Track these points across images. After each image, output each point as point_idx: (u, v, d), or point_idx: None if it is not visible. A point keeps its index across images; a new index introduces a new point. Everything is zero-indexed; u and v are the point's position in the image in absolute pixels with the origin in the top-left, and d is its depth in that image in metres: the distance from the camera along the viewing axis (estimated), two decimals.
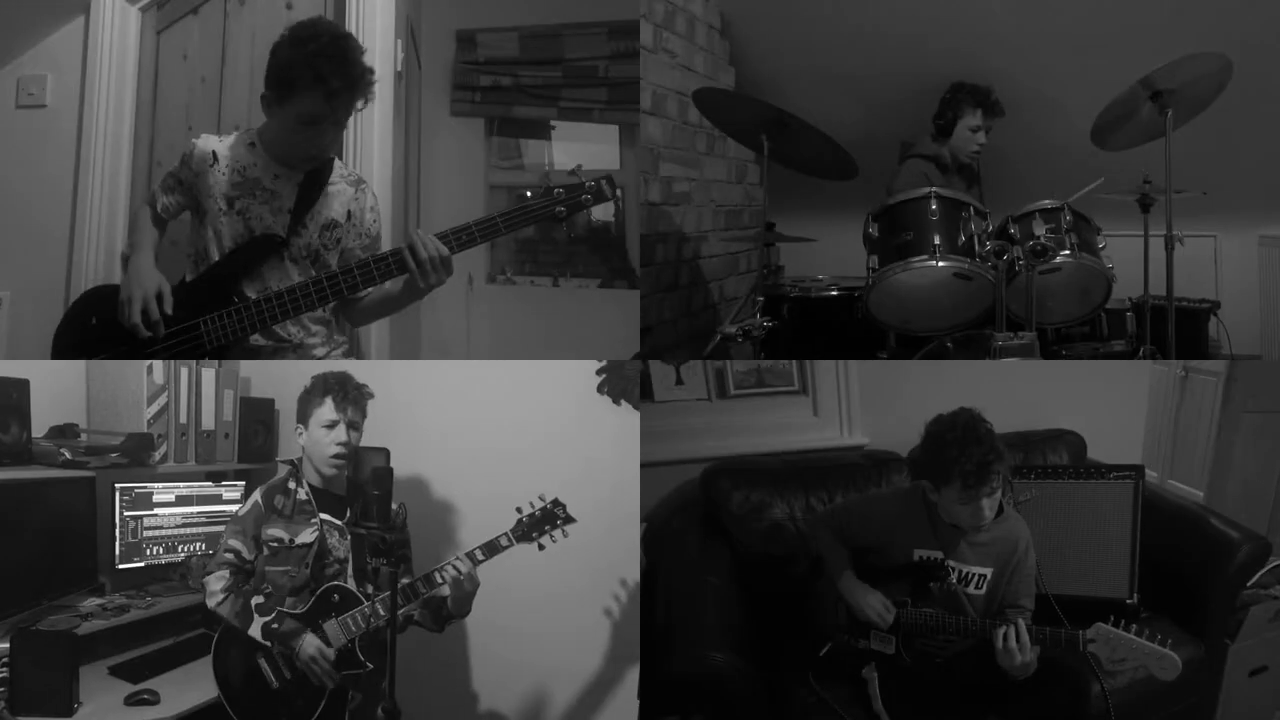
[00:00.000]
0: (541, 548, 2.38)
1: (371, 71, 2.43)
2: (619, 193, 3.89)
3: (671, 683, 2.47)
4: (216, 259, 2.55)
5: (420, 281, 2.40)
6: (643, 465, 2.91)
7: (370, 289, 2.64)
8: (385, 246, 2.75)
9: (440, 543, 2.95)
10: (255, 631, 2.37)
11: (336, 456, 2.46)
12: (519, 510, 2.37)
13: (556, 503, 2.39)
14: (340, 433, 2.46)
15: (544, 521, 2.37)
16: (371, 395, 2.53)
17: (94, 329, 2.56)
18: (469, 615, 2.47)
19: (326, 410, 2.47)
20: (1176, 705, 2.65)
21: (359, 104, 2.44)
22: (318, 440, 2.48)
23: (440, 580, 2.34)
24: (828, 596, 2.57)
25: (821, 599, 2.59)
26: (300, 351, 2.62)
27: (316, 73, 2.33)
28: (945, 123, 3.96)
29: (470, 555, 2.35)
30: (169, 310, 2.49)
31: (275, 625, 2.36)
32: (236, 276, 2.53)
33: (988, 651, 2.37)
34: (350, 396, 2.47)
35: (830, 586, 2.56)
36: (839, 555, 2.58)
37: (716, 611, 2.63)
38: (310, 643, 2.33)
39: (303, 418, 2.52)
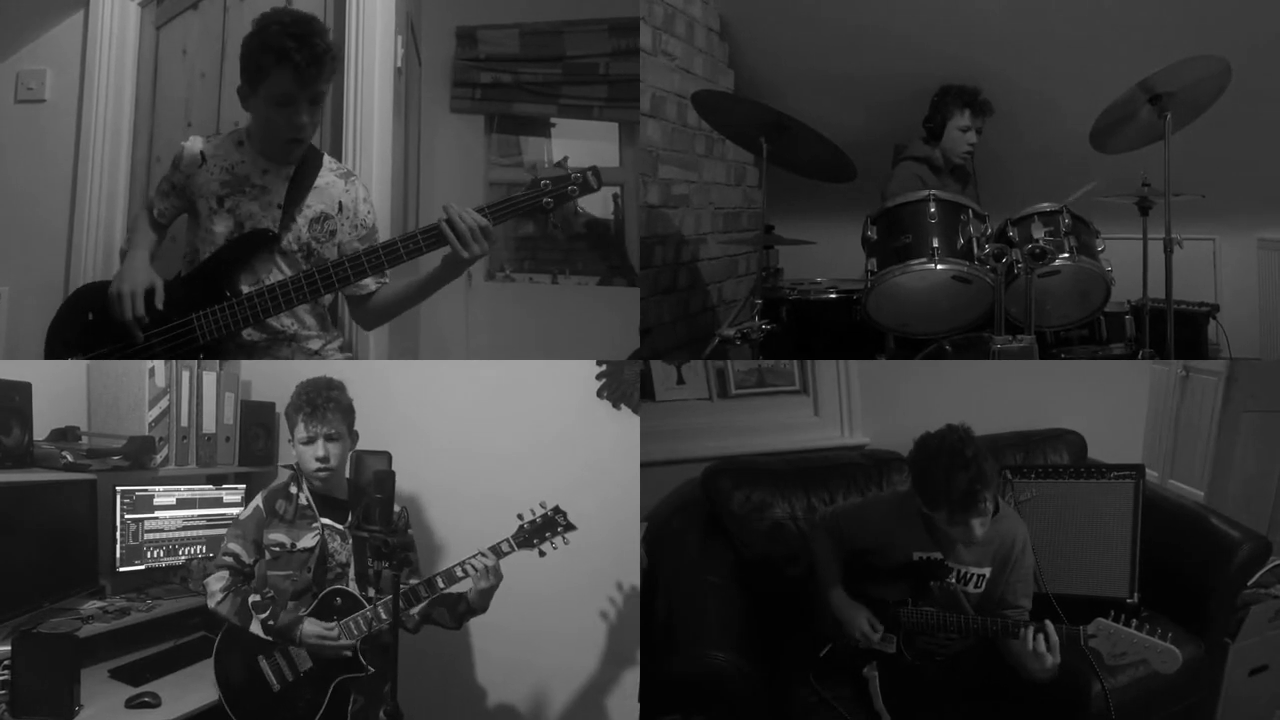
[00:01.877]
0: (542, 554, 2.38)
1: (334, 48, 2.46)
2: (618, 190, 3.93)
3: (672, 682, 2.48)
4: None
5: (464, 252, 2.38)
6: (644, 465, 2.91)
7: (381, 289, 2.64)
8: (380, 235, 2.76)
9: (438, 545, 2.95)
10: (256, 628, 2.37)
11: (319, 470, 2.47)
12: (520, 517, 2.38)
13: (557, 510, 2.39)
14: (318, 448, 2.46)
15: (544, 529, 2.38)
16: (348, 400, 2.52)
17: (87, 325, 2.57)
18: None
19: (300, 429, 2.47)
20: (1177, 704, 2.66)
21: (327, 83, 2.46)
22: (301, 454, 2.49)
23: (461, 574, 2.34)
24: (823, 603, 2.57)
25: (821, 600, 2.60)
26: (294, 344, 2.63)
27: (281, 51, 2.38)
28: (935, 125, 3.99)
29: (449, 572, 2.36)
30: (160, 305, 2.51)
31: (272, 621, 2.36)
32: (229, 271, 2.55)
33: (989, 650, 2.39)
34: (318, 414, 2.45)
35: (820, 596, 2.57)
36: (831, 568, 2.58)
37: (717, 611, 2.63)
38: (310, 627, 2.33)
39: (290, 430, 2.52)
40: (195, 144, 2.63)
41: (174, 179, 2.66)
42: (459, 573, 2.34)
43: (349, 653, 2.34)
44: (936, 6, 4.14)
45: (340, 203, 2.62)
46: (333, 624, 2.34)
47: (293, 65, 2.38)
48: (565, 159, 2.54)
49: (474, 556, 2.34)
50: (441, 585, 2.35)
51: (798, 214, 4.15)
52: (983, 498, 2.28)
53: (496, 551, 2.35)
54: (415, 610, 2.38)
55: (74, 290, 2.82)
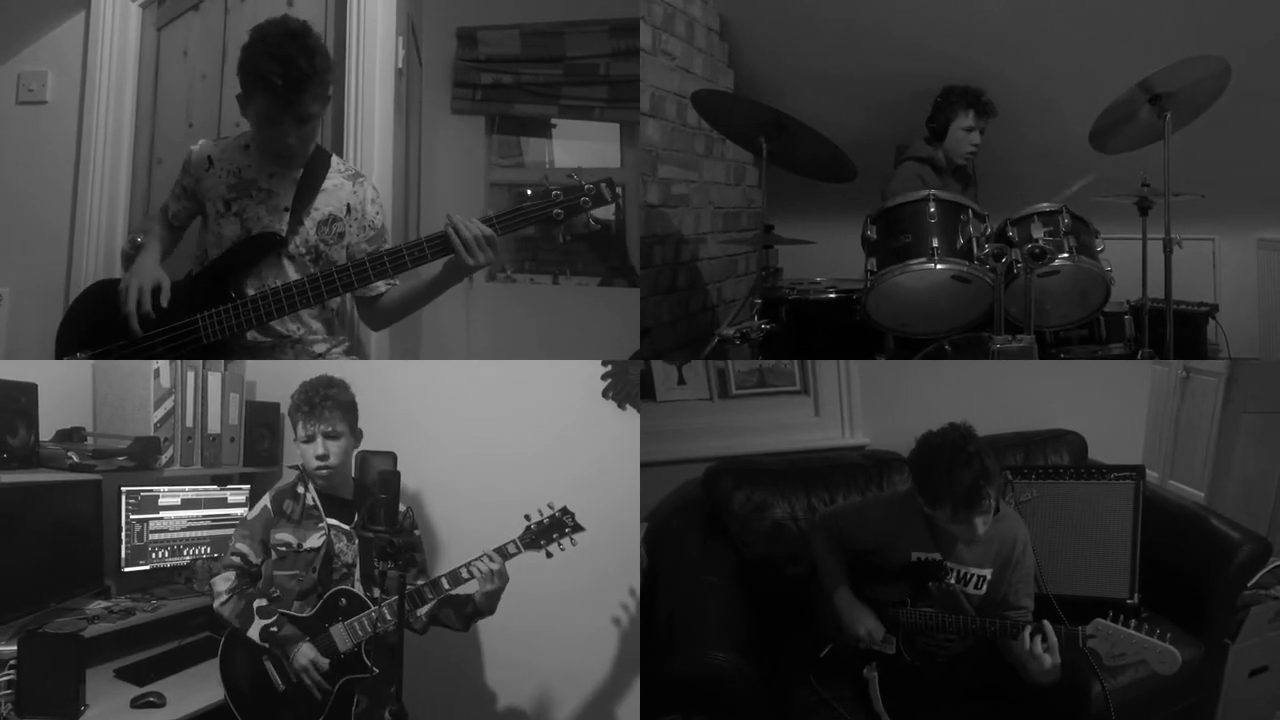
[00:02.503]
0: (549, 555, 2.37)
1: (323, 69, 2.45)
2: (619, 191, 3.92)
3: (673, 682, 2.48)
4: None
5: (469, 259, 2.41)
6: (644, 465, 2.91)
7: (389, 290, 2.65)
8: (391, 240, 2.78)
9: (442, 544, 2.96)
10: (254, 633, 2.37)
11: (319, 468, 2.46)
12: (527, 518, 2.37)
13: (565, 511, 2.38)
14: (318, 446, 2.46)
15: (552, 530, 2.36)
16: (347, 398, 2.51)
17: (96, 323, 2.59)
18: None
19: (300, 428, 2.47)
20: (1177, 705, 2.67)
21: (315, 103, 2.46)
22: (302, 452, 2.49)
23: (467, 576, 2.33)
24: (825, 603, 2.57)
25: (822, 600, 2.60)
26: (299, 348, 2.64)
27: (262, 74, 2.38)
28: (939, 126, 3.99)
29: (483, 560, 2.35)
30: (164, 304, 2.52)
31: (274, 629, 2.35)
32: (235, 274, 2.56)
33: (989, 651, 2.40)
34: (317, 411, 2.45)
35: (825, 595, 2.57)
36: (835, 568, 2.58)
37: (718, 611, 2.63)
38: (304, 652, 2.32)
39: (293, 429, 2.52)
40: (204, 148, 2.66)
41: (184, 182, 2.68)
42: (465, 574, 2.34)
43: (320, 695, 2.33)
44: (937, 6, 4.14)
45: (348, 204, 2.64)
46: (326, 662, 2.32)
47: (273, 90, 2.38)
48: (578, 169, 2.55)
49: (479, 559, 2.34)
50: (447, 586, 2.34)
51: (797, 214, 4.16)
52: (986, 494, 2.28)
53: (503, 553, 2.34)
54: (422, 612, 2.38)
55: (85, 288, 2.84)
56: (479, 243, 2.41)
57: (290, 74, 2.38)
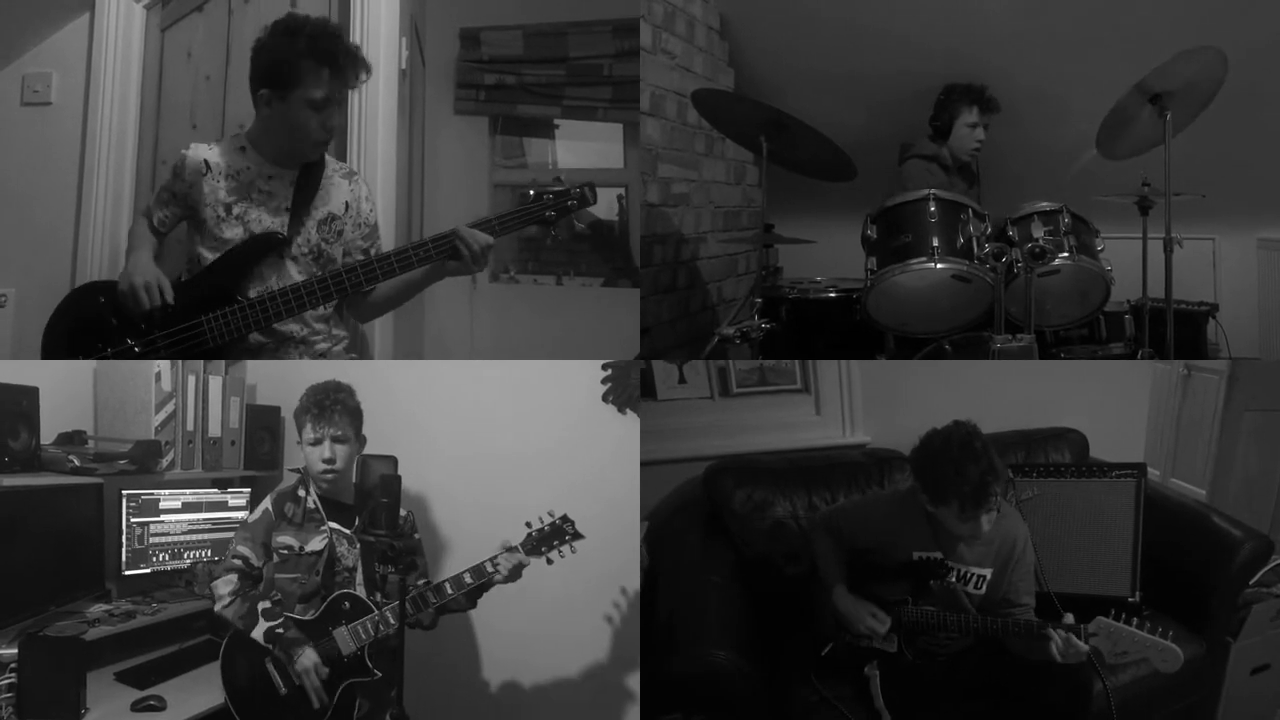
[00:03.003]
0: (550, 562, 2.38)
1: (359, 48, 2.57)
2: (622, 191, 3.93)
3: (673, 682, 2.48)
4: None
5: (474, 268, 2.53)
6: (645, 464, 2.92)
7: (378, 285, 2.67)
8: (384, 236, 2.81)
9: (442, 547, 2.96)
10: (258, 635, 2.37)
11: (324, 472, 2.47)
12: (528, 525, 2.38)
13: (566, 519, 2.39)
14: (325, 449, 2.46)
15: (552, 537, 2.38)
16: (355, 403, 2.52)
17: (86, 325, 2.59)
18: (475, 615, 2.51)
19: (308, 430, 2.48)
20: (1178, 703, 2.67)
21: (363, 77, 2.55)
22: (308, 455, 2.49)
23: (491, 570, 2.35)
24: (826, 602, 2.57)
25: (822, 599, 2.61)
26: (303, 348, 2.64)
27: (319, 56, 2.44)
28: (943, 123, 3.98)
29: (479, 568, 2.36)
30: (171, 301, 2.52)
31: (280, 631, 2.36)
32: (236, 276, 2.56)
33: (990, 650, 2.40)
34: (326, 415, 2.46)
35: (824, 594, 2.57)
36: (833, 567, 2.58)
37: (718, 610, 2.63)
38: (308, 656, 2.32)
39: (298, 432, 2.53)
40: (198, 151, 2.63)
41: (175, 187, 2.66)
42: (489, 568, 2.35)
43: (318, 702, 2.32)
44: (937, 5, 4.14)
45: (346, 202, 2.66)
46: (327, 670, 2.32)
47: (333, 68, 2.44)
48: (559, 178, 2.61)
49: (501, 555, 2.36)
50: (450, 591, 2.35)
51: (798, 213, 4.16)
52: (994, 491, 2.28)
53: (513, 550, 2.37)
54: (430, 608, 2.38)
55: (71, 290, 2.83)
56: (485, 253, 2.50)
57: (348, 51, 2.49)
